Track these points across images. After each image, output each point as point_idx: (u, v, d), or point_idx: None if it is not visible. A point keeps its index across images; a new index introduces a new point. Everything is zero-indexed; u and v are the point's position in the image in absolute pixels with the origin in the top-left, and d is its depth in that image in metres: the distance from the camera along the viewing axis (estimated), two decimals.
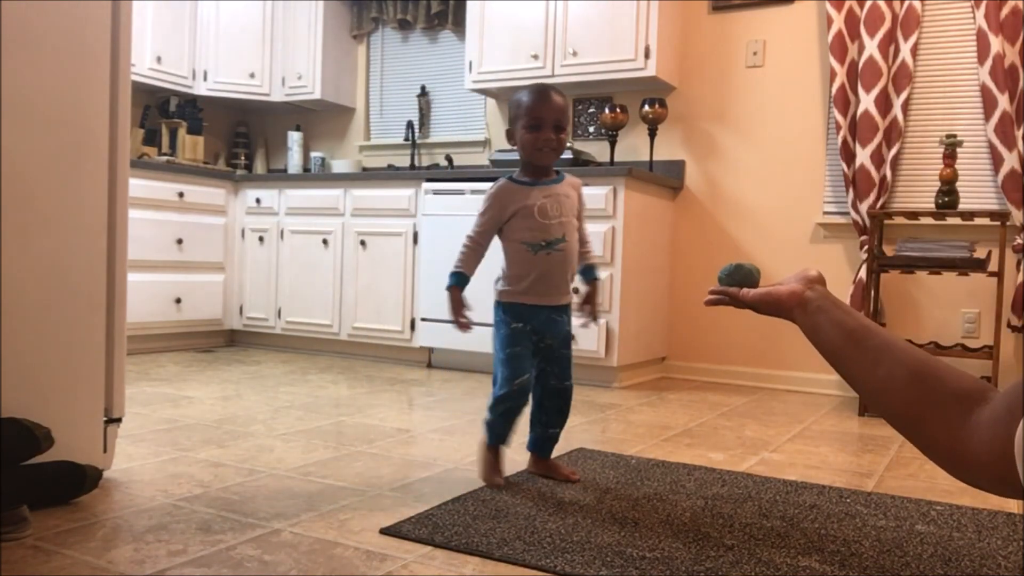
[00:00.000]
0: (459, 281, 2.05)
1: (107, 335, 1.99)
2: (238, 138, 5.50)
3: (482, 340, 3.92)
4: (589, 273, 2.15)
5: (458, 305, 2.04)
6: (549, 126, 2.01)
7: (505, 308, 2.05)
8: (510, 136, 2.11)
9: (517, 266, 2.04)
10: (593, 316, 2.12)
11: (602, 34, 4.06)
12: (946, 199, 3.34)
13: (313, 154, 5.18)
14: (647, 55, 3.97)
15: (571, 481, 2.07)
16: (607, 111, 4.09)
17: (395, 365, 4.31)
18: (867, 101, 3.67)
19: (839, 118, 3.75)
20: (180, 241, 4.52)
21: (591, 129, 4.46)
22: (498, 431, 2.07)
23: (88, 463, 1.85)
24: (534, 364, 2.07)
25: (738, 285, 1.24)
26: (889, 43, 3.69)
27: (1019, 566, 1.61)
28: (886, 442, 2.80)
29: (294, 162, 5.16)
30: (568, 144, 4.33)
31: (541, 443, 2.13)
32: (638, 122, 4.24)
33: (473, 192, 4.04)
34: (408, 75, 5.12)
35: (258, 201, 4.78)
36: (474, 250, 2.06)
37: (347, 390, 3.46)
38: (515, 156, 4.39)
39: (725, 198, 4.14)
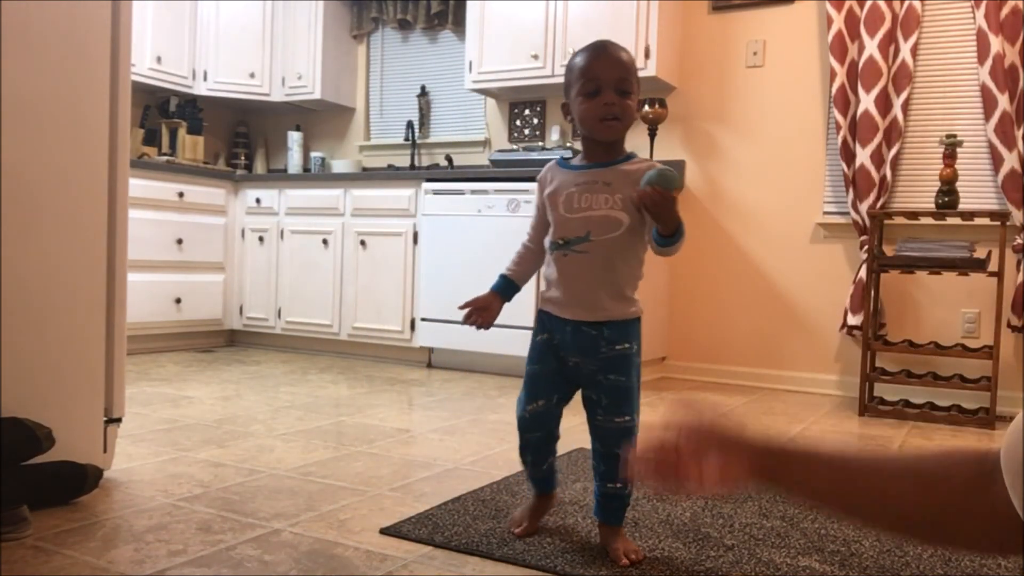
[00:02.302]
0: (497, 284, 1.73)
1: (107, 335, 1.99)
2: (238, 138, 5.50)
3: (482, 340, 3.93)
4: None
5: (476, 301, 1.70)
6: (610, 88, 1.59)
7: (537, 315, 1.70)
8: (566, 111, 1.69)
9: (546, 266, 1.69)
10: (655, 200, 1.46)
11: (602, 34, 4.05)
12: (946, 199, 3.34)
13: (313, 154, 5.18)
14: (647, 55, 3.98)
15: (620, 564, 1.55)
16: None
17: (395, 365, 4.31)
18: (867, 101, 3.67)
19: (839, 118, 3.75)
20: (180, 241, 4.52)
21: None
22: (528, 473, 1.75)
23: (88, 463, 1.85)
24: (561, 388, 1.68)
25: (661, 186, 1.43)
26: (889, 43, 3.69)
27: (1019, 566, 1.60)
28: (886, 442, 2.80)
29: (294, 162, 5.16)
30: (567, 144, 4.34)
31: (598, 502, 1.65)
32: (638, 122, 4.23)
33: (473, 192, 4.04)
34: (408, 75, 5.12)
35: (258, 201, 4.78)
36: (521, 251, 1.75)
37: (347, 390, 3.46)
38: (516, 156, 4.44)
39: (725, 198, 4.14)
